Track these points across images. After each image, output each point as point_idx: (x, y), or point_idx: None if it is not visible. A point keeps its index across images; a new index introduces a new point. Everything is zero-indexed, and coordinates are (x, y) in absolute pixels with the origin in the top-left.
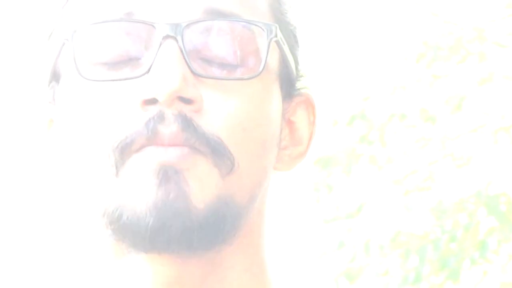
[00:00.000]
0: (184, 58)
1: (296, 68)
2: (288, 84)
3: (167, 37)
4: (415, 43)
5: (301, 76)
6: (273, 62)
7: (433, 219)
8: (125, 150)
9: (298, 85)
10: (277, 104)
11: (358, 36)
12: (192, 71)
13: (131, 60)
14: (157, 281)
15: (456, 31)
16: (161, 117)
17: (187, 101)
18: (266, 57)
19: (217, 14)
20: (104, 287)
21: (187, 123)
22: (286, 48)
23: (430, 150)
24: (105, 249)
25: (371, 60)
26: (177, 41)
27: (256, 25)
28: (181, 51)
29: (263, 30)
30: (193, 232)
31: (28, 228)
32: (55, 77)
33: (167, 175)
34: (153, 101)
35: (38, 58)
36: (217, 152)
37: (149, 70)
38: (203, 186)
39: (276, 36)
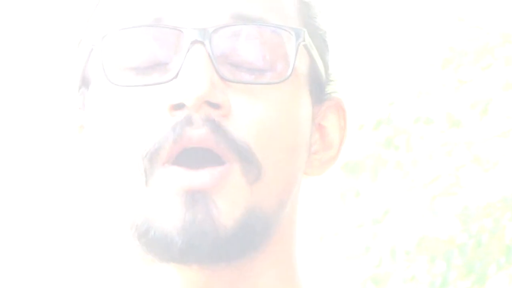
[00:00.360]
0: (212, 63)
1: (326, 72)
2: (317, 89)
3: (195, 42)
4: (441, 48)
5: (332, 81)
6: (302, 66)
7: (459, 224)
8: (154, 158)
9: (328, 89)
10: (307, 109)
11: (384, 41)
12: (220, 76)
13: (159, 65)
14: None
15: (482, 36)
16: (188, 121)
17: (214, 105)
18: (294, 61)
19: (244, 19)
20: None
21: (216, 127)
22: (315, 53)
23: (456, 155)
24: (133, 256)
25: (397, 65)
26: (204, 45)
27: (284, 29)
28: (209, 55)
29: (291, 34)
30: (222, 247)
31: (57, 231)
32: (85, 83)
33: (194, 198)
34: (180, 106)
35: (68, 64)
36: (245, 159)
37: (177, 75)
38: (232, 203)
39: (304, 40)
